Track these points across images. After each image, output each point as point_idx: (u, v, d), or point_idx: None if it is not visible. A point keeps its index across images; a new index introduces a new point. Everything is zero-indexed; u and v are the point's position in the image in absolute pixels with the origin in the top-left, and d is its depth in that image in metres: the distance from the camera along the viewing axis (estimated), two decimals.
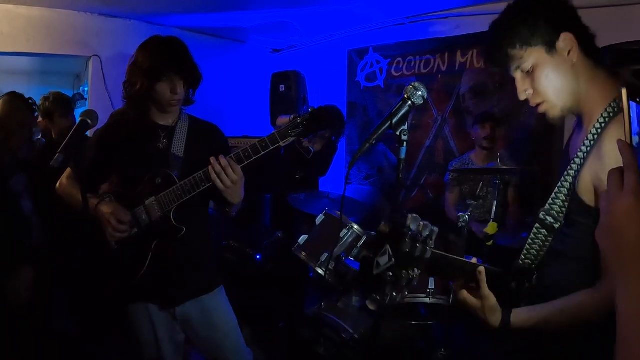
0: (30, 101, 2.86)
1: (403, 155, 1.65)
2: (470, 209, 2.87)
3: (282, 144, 1.81)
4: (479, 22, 3.81)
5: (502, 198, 2.55)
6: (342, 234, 2.88)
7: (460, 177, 3.50)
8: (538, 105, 1.32)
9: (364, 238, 2.88)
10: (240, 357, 2.23)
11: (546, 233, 1.34)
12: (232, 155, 1.85)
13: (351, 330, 2.55)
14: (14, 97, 2.73)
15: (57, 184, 2.09)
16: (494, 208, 2.46)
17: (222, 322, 2.18)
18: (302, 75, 4.76)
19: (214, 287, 2.16)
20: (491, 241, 2.50)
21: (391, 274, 1.26)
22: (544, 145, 3.46)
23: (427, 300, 2.26)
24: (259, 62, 5.62)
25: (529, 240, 1.37)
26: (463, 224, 2.16)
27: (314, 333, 2.73)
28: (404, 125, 1.62)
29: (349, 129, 4.86)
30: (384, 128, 1.60)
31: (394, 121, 1.59)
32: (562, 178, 1.29)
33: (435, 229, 1.28)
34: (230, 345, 2.19)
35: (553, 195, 1.31)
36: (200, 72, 2.14)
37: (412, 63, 4.28)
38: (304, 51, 5.30)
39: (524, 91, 1.31)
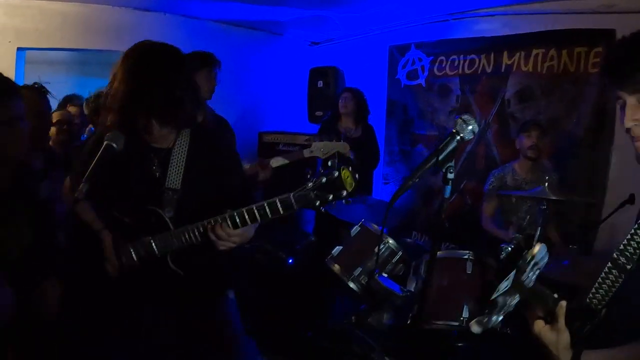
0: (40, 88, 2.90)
1: (447, 195, 1.67)
2: (513, 234, 2.86)
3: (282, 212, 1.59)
4: (527, 22, 3.77)
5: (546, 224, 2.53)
6: (376, 249, 2.93)
7: (502, 189, 3.47)
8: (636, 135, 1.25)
9: (399, 254, 2.93)
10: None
11: (617, 273, 1.34)
12: (232, 215, 1.66)
13: (379, 350, 2.59)
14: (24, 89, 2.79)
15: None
16: (537, 234, 2.43)
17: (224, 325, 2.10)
18: (341, 72, 4.79)
19: (221, 294, 2.08)
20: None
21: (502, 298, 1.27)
22: (590, 157, 3.40)
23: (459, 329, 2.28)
24: (297, 55, 5.69)
25: (599, 280, 1.37)
26: (504, 255, 2.15)
27: (342, 347, 2.78)
28: (451, 162, 1.62)
29: (388, 128, 4.85)
30: (429, 165, 1.61)
31: (440, 157, 1.60)
32: None
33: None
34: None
35: (629, 235, 1.30)
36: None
37: (456, 62, 4.24)
38: (342, 45, 5.31)
39: (632, 120, 1.22)
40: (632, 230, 1.29)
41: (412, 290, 2.67)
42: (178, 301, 1.94)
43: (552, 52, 3.55)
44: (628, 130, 1.26)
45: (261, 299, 3.66)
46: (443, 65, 4.36)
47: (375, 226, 3.06)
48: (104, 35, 4.55)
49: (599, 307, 1.35)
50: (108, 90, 1.74)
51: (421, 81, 4.55)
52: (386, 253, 2.90)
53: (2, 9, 4.18)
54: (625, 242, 1.30)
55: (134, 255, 1.82)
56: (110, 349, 1.90)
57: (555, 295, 1.31)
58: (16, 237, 1.88)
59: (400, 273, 2.98)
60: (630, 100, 1.22)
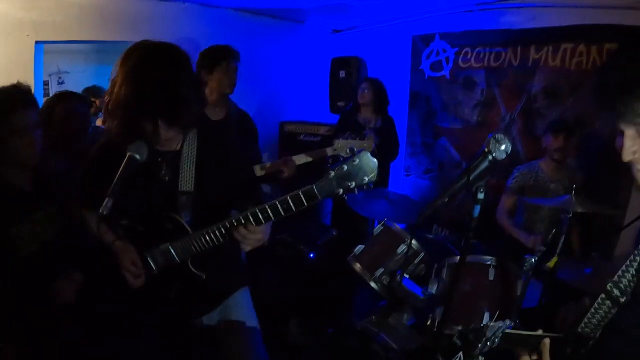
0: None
1: (476, 214, 1.69)
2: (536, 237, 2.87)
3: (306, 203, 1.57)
4: (556, 15, 3.70)
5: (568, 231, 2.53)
6: (399, 250, 2.97)
7: (525, 186, 3.47)
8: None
9: (421, 255, 2.96)
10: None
11: (610, 305, 1.37)
12: (254, 212, 1.64)
13: (399, 350, 2.64)
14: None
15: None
16: (561, 242, 2.44)
17: (241, 319, 2.10)
18: (364, 62, 4.77)
19: (236, 289, 2.09)
20: (554, 261, 2.49)
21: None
22: (616, 157, 3.35)
23: None
24: (318, 43, 5.67)
25: (592, 310, 1.41)
26: (528, 268, 2.16)
27: (362, 345, 2.82)
28: (482, 181, 1.64)
29: (410, 120, 4.84)
30: (459, 185, 1.64)
31: (471, 177, 1.62)
32: (636, 252, 1.30)
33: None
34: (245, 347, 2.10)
35: (623, 267, 1.34)
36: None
37: (481, 55, 4.20)
38: (365, 33, 5.27)
39: (631, 151, 1.22)
40: (628, 262, 1.31)
41: (433, 292, 2.70)
42: (196, 302, 1.97)
43: (581, 47, 3.49)
44: (626, 162, 1.26)
45: (282, 293, 3.74)
46: (468, 57, 4.30)
47: (398, 226, 3.10)
48: (121, 27, 4.54)
49: (591, 335, 1.38)
50: (109, 95, 1.70)
51: (445, 73, 4.51)
52: (409, 254, 2.93)
53: (19, 2, 4.18)
54: (620, 273, 1.33)
55: (152, 264, 1.83)
56: (125, 349, 1.96)
57: (540, 331, 1.35)
58: (33, 233, 1.98)
59: (422, 273, 3.03)
60: (629, 132, 1.20)
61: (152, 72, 1.63)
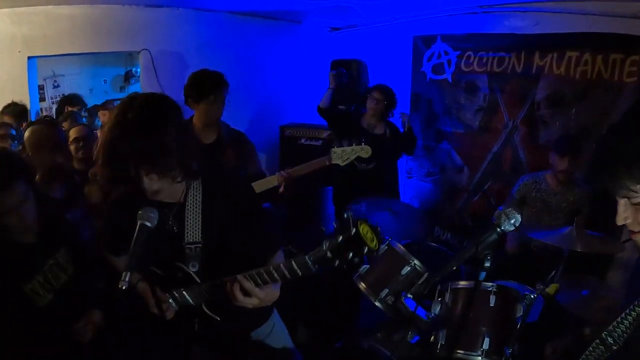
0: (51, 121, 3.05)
1: (482, 278, 1.84)
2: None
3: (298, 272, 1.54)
4: (561, 21, 3.76)
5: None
6: (403, 271, 3.07)
7: (527, 197, 3.57)
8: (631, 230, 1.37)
9: (425, 275, 3.07)
10: None
11: (604, 350, 1.51)
12: (250, 274, 1.68)
13: None
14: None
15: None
16: (560, 270, 2.58)
17: (277, 346, 2.28)
18: (364, 64, 4.84)
19: (266, 318, 2.19)
20: (554, 287, 2.63)
21: None
22: None
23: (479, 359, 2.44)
24: (317, 42, 5.73)
25: (587, 352, 1.54)
26: (528, 304, 2.30)
27: None
28: (489, 250, 1.76)
29: (412, 122, 4.88)
30: (467, 255, 1.78)
31: (479, 248, 1.75)
32: (634, 304, 1.42)
33: None
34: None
35: (619, 318, 1.45)
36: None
37: (484, 59, 4.26)
38: (364, 32, 5.32)
39: (623, 218, 1.34)
40: (623, 314, 1.44)
41: (436, 314, 2.83)
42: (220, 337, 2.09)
43: (587, 56, 3.56)
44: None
45: (288, 302, 3.84)
46: (471, 61, 4.37)
47: (401, 247, 3.19)
48: (116, 36, 4.61)
49: None
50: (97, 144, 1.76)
51: (447, 76, 4.58)
52: (412, 274, 3.05)
53: (9, 17, 4.27)
54: (615, 323, 1.46)
55: (173, 304, 1.93)
56: None
57: None
58: (47, 283, 2.05)
59: (425, 292, 3.15)
60: (620, 202, 1.34)
61: (135, 120, 1.66)
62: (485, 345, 2.43)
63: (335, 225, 1.42)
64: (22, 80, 4.42)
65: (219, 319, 1.87)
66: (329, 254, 1.42)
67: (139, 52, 4.74)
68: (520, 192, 3.60)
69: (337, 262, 1.42)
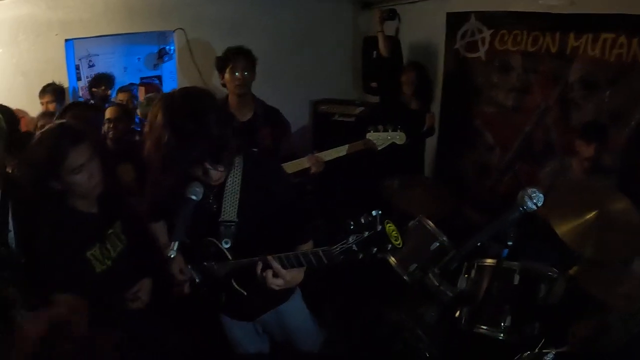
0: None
1: (504, 255, 2.07)
2: None
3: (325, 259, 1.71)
4: (596, 1, 3.75)
5: None
6: (432, 247, 3.30)
7: (552, 185, 3.58)
8: None
9: (453, 252, 3.29)
10: (310, 346, 2.63)
11: (624, 334, 1.71)
12: (279, 256, 1.85)
13: (428, 342, 3.00)
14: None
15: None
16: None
17: (296, 324, 2.53)
18: (398, 41, 4.91)
19: (290, 295, 2.41)
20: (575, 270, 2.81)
21: None
22: None
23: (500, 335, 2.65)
24: (349, 18, 5.86)
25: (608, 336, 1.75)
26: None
27: (392, 333, 3.19)
28: (512, 228, 1.98)
29: (444, 100, 5.06)
30: (491, 232, 2.00)
31: (502, 226, 1.97)
32: None
33: None
34: (301, 338, 2.58)
35: None
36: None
37: (519, 38, 4.34)
38: (397, 8, 5.35)
39: None
40: None
41: (462, 290, 3.05)
42: (253, 310, 2.38)
43: (622, 39, 3.60)
44: None
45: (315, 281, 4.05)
46: (505, 40, 4.45)
47: (431, 223, 3.39)
48: (150, 16, 4.84)
49: None
50: (148, 149, 1.87)
51: (481, 54, 4.68)
52: (440, 250, 3.27)
53: (45, 3, 4.53)
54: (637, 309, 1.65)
55: (195, 276, 2.18)
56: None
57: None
58: (105, 251, 2.32)
59: (452, 268, 3.36)
60: None
61: (185, 123, 1.77)
62: (507, 322, 2.65)
63: (362, 221, 1.55)
64: (60, 62, 4.71)
65: (245, 293, 2.07)
66: (354, 247, 1.56)
67: (173, 32, 4.97)
68: (547, 178, 3.64)
69: (361, 256, 1.57)
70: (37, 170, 2.13)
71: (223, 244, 2.03)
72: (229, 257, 2.03)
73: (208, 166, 1.86)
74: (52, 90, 4.45)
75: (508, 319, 2.64)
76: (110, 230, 2.39)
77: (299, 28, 5.53)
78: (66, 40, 4.72)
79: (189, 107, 1.81)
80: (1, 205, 2.31)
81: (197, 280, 2.20)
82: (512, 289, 2.75)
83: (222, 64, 3.41)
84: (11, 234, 2.31)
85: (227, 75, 3.38)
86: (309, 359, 2.65)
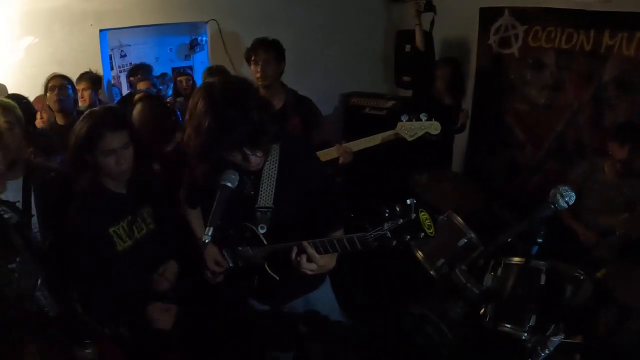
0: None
1: (534, 252, 2.14)
2: None
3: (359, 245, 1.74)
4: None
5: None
6: (460, 243, 3.37)
7: (583, 187, 3.57)
8: None
9: (480, 249, 3.36)
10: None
11: None
12: (314, 242, 1.90)
13: (452, 338, 3.08)
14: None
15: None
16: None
17: (324, 312, 2.58)
18: (431, 35, 4.95)
19: (320, 284, 2.48)
20: (602, 272, 2.88)
21: None
22: None
23: (524, 335, 2.69)
24: (381, 12, 5.91)
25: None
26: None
27: (416, 327, 3.26)
28: (542, 226, 2.05)
29: (476, 96, 5.12)
30: (520, 229, 2.07)
31: (532, 224, 2.04)
32: None
33: None
34: None
35: None
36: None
37: (553, 34, 4.36)
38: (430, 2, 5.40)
39: None
40: None
41: (488, 287, 3.12)
42: (283, 296, 2.46)
43: None
44: None
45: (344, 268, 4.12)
46: (538, 36, 4.48)
47: (460, 219, 3.46)
48: (182, 8, 4.96)
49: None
50: (188, 137, 1.92)
51: (514, 50, 4.71)
52: (468, 247, 3.34)
53: None
54: None
55: (229, 260, 2.25)
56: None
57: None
58: (129, 231, 2.44)
59: (479, 265, 3.43)
60: None
61: (225, 108, 1.83)
62: (532, 322, 2.68)
63: (397, 208, 1.59)
64: (95, 51, 4.87)
65: (277, 278, 2.11)
66: (388, 234, 1.59)
67: (206, 23, 5.09)
68: (578, 180, 3.60)
69: (394, 242, 1.61)
70: (77, 143, 2.29)
71: (259, 229, 2.09)
72: (265, 242, 2.08)
73: (247, 151, 1.91)
74: (88, 78, 4.60)
75: (533, 319, 2.69)
76: (137, 213, 2.51)
77: (330, 20, 5.61)
78: (100, 31, 4.89)
79: (229, 93, 1.87)
80: (24, 190, 2.50)
81: (230, 265, 2.27)
82: (538, 289, 2.80)
83: (247, 54, 3.55)
84: (34, 219, 2.49)
85: (251, 67, 3.52)
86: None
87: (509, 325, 2.75)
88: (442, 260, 3.35)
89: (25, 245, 2.05)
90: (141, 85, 5.01)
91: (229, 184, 1.97)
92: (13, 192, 2.49)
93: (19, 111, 2.62)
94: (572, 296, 2.70)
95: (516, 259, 3.00)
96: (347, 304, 3.72)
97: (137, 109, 3.43)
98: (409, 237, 1.59)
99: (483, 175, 5.10)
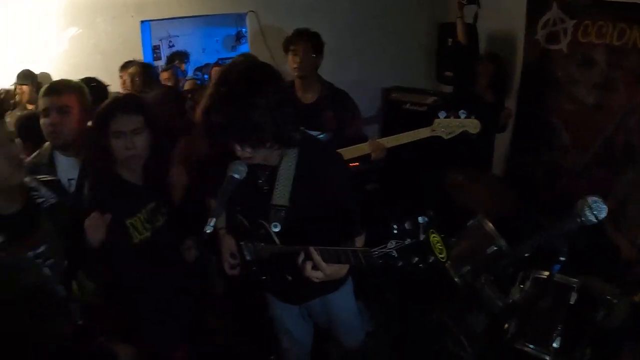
0: None
1: (555, 272, 1.95)
2: None
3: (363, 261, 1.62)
4: None
5: None
6: (488, 250, 3.17)
7: (628, 198, 3.30)
8: None
9: (510, 259, 3.15)
10: (353, 339, 2.71)
11: None
12: (321, 249, 1.79)
13: (471, 352, 2.94)
14: None
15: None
16: None
17: (341, 314, 2.57)
18: (475, 29, 4.73)
19: (340, 286, 2.40)
20: None
21: None
22: None
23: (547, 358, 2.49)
24: (422, 4, 5.68)
25: None
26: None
27: (435, 336, 3.18)
28: (566, 240, 1.86)
29: (521, 94, 4.85)
30: (537, 242, 1.88)
31: (554, 237, 1.85)
32: None
33: None
34: (345, 329, 2.65)
35: None
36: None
37: (604, 30, 4.05)
38: None
39: None
40: None
41: (513, 301, 2.90)
42: (301, 296, 2.42)
43: None
44: None
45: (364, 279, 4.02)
46: (588, 31, 4.17)
47: (491, 225, 3.25)
48: None
49: None
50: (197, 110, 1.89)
51: (563, 46, 4.41)
52: (497, 255, 3.14)
53: None
54: None
55: (247, 254, 2.20)
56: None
57: None
58: (146, 222, 2.41)
59: (507, 274, 3.22)
60: None
61: (228, 94, 1.77)
62: (556, 344, 2.47)
63: (406, 226, 1.42)
64: (136, 42, 4.93)
65: (290, 278, 2.06)
66: (394, 253, 1.44)
67: (246, 14, 5.04)
68: (624, 189, 3.32)
69: (400, 263, 1.45)
70: (93, 125, 2.36)
71: (272, 227, 2.02)
72: (277, 241, 2.02)
73: (234, 143, 1.85)
74: (138, 65, 4.69)
75: (558, 340, 2.47)
76: (153, 205, 2.47)
77: (371, 12, 5.42)
78: (142, 22, 4.94)
79: (238, 78, 1.79)
80: (80, 177, 2.52)
81: (248, 258, 2.23)
82: (566, 308, 2.58)
83: (285, 45, 3.52)
84: None
85: (288, 57, 3.48)
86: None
87: (531, 346, 2.54)
88: (467, 268, 3.18)
89: (57, 230, 2.02)
90: (163, 75, 5.08)
91: (236, 176, 1.90)
92: (65, 169, 2.54)
93: (86, 92, 2.66)
94: (604, 319, 2.44)
95: (546, 273, 2.76)
96: (372, 304, 3.67)
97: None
98: (417, 259, 1.42)
99: (524, 179, 4.84)
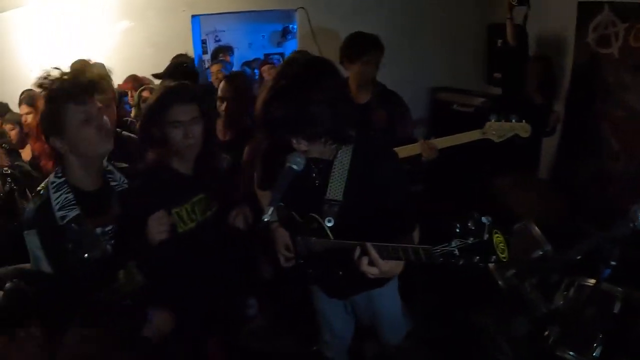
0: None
1: (604, 277, 1.93)
2: None
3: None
4: None
5: None
6: (534, 255, 3.13)
7: None
8: None
9: (556, 264, 3.11)
10: (394, 336, 2.72)
11: None
12: (379, 245, 1.78)
13: (508, 355, 2.91)
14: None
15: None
16: None
17: (386, 311, 2.58)
18: (525, 30, 4.66)
19: (386, 282, 2.36)
20: None
21: None
22: None
23: None
24: (472, 4, 5.64)
25: None
26: None
27: (473, 338, 3.16)
28: (616, 246, 1.83)
29: (570, 98, 4.75)
30: (588, 248, 1.86)
31: (604, 243, 1.83)
32: None
33: None
34: (388, 326, 2.67)
35: None
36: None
37: None
38: None
39: None
40: None
41: (557, 307, 2.87)
42: (347, 290, 2.43)
43: None
44: None
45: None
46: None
47: (537, 229, 3.21)
48: None
49: None
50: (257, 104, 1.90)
51: (614, 50, 4.31)
52: (542, 260, 3.10)
53: None
54: None
55: (302, 246, 2.20)
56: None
57: None
58: (192, 213, 2.43)
59: (553, 281, 3.19)
60: None
61: (287, 88, 1.78)
62: (597, 353, 2.43)
63: (470, 226, 1.43)
64: (187, 36, 5.08)
65: (340, 273, 2.08)
66: (456, 252, 1.46)
67: (295, 10, 5.08)
68: None
69: (461, 262, 1.46)
70: (146, 115, 2.35)
71: (326, 222, 2.02)
72: (330, 236, 2.02)
73: (290, 136, 1.86)
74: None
75: (598, 350, 2.42)
76: (202, 196, 2.48)
77: (420, 11, 5.44)
78: (192, 16, 5.06)
79: (297, 72, 1.81)
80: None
81: (301, 253, 2.24)
82: (609, 317, 2.54)
83: (352, 51, 3.37)
84: None
85: (358, 66, 3.36)
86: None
87: (571, 353, 2.50)
88: (512, 271, 3.14)
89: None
90: (213, 68, 5.19)
91: (295, 167, 1.91)
92: None
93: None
94: None
95: (592, 281, 2.73)
96: (410, 304, 3.68)
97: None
98: (478, 258, 1.44)
99: (571, 184, 4.75)
